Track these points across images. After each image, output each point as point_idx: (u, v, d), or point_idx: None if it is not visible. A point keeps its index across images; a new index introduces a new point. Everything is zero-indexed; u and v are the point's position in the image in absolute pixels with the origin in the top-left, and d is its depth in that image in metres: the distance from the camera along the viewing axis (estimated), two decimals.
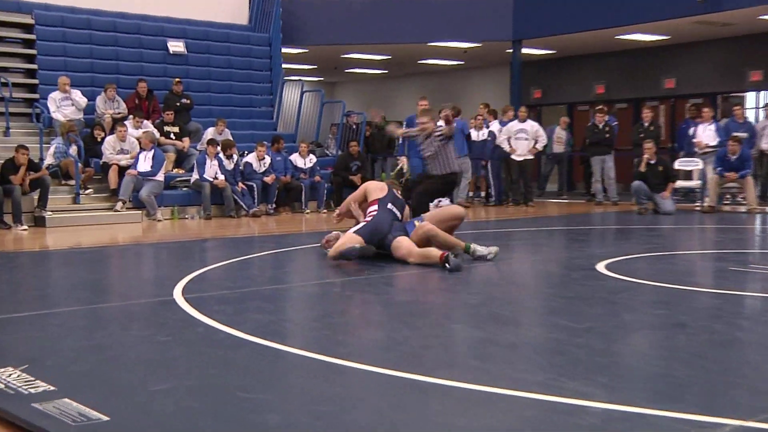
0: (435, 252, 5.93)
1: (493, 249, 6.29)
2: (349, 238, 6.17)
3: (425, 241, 6.21)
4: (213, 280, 5.66)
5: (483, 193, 14.44)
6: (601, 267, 5.91)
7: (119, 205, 10.83)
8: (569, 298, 4.76)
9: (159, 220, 10.75)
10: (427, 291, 5.24)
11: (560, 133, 15.57)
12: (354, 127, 15.97)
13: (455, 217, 6.62)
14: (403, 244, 6.15)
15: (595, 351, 3.41)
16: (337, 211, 7.03)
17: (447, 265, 5.68)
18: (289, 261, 6.89)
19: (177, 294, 4.86)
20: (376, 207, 6.46)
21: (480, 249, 6.25)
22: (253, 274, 6.05)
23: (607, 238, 8.74)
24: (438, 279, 5.63)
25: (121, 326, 4.05)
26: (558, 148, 15.42)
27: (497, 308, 4.45)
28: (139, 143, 11.44)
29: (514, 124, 13.24)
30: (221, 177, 11.62)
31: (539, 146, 13.31)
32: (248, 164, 12.19)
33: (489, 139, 13.64)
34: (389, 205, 6.51)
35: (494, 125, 13.80)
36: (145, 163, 11.19)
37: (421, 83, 21.60)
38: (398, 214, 6.51)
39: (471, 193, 14.14)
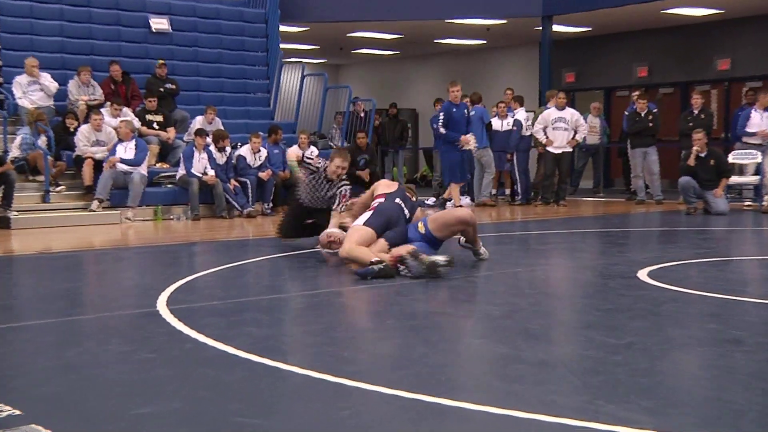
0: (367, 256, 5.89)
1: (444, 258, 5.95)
2: (360, 234, 6.16)
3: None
4: (202, 289, 5.67)
5: (508, 191, 14.43)
6: (643, 275, 5.91)
7: (95, 204, 10.87)
8: (607, 310, 4.76)
9: (130, 220, 10.75)
10: (445, 301, 5.25)
11: (593, 121, 15.52)
12: (362, 115, 16.01)
13: (461, 221, 6.43)
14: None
15: (636, 370, 3.41)
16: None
17: (403, 265, 5.73)
18: (288, 267, 6.90)
19: (161, 305, 4.88)
20: (382, 199, 6.50)
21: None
22: (247, 282, 6.06)
23: (650, 242, 8.72)
24: (456, 288, 5.62)
25: (97, 342, 4.07)
26: (592, 138, 15.40)
27: (525, 321, 4.45)
28: (118, 134, 11.49)
29: (552, 112, 13.18)
30: (211, 172, 11.66)
31: (579, 137, 13.26)
32: (242, 158, 12.23)
33: (514, 129, 13.62)
34: (397, 200, 6.54)
35: (520, 113, 13.78)
36: (125, 155, 11.25)
37: (439, 66, 21.62)
38: (406, 211, 6.49)
39: (494, 191, 14.13)
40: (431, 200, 13.65)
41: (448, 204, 12.45)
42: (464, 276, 6.04)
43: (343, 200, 7.39)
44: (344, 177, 7.43)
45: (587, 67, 18.80)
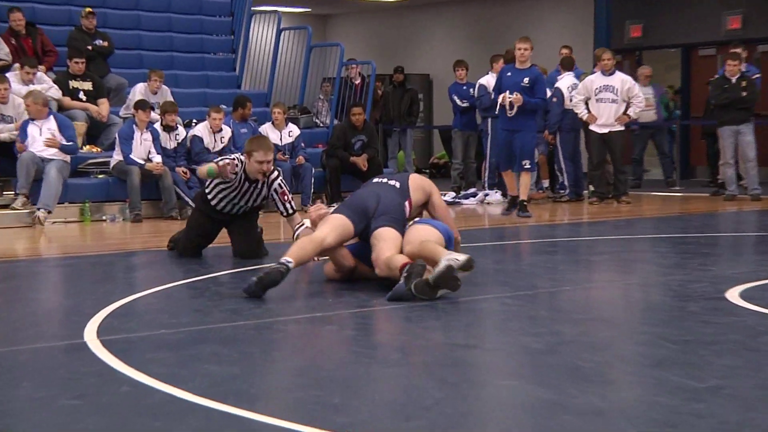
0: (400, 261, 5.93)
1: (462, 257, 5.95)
2: (334, 225, 6.24)
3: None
4: (144, 314, 5.66)
5: (546, 183, 14.44)
6: (734, 295, 5.90)
7: (20, 201, 10.83)
8: (684, 343, 4.76)
9: (41, 223, 10.68)
10: (468, 329, 5.25)
11: (644, 92, 15.44)
12: (357, 83, 16.01)
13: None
14: (382, 237, 6.17)
15: (725, 424, 3.41)
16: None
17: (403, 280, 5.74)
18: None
19: (90, 335, 4.87)
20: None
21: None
22: (204, 305, 6.06)
23: (743, 252, 8.71)
24: (481, 311, 5.62)
25: (6, 383, 4.08)
26: (647, 115, 15.30)
27: (574, 356, 4.46)
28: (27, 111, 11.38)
29: (595, 78, 13.11)
30: (157, 159, 11.68)
31: (632, 112, 13.19)
32: (197, 139, 12.24)
33: (554, 100, 13.59)
34: (376, 179, 6.72)
35: (565, 80, 13.72)
36: (40, 139, 11.18)
37: (460, 17, 21.61)
38: (393, 183, 6.58)
39: (546, 183, 14.16)
40: (450, 196, 13.66)
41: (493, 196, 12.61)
42: (493, 295, 6.04)
43: (285, 199, 7.52)
44: (273, 170, 7.57)
45: (659, 17, 18.78)
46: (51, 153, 11.10)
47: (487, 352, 4.79)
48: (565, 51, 14.38)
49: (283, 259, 5.92)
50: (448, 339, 5.06)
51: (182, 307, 5.94)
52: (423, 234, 6.23)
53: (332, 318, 5.47)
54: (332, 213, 6.45)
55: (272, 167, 7.51)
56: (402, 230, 6.33)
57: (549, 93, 13.44)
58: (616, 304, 6.20)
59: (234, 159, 7.49)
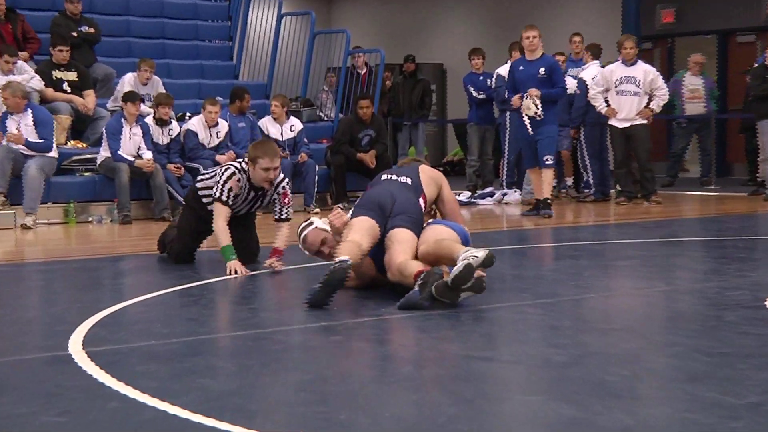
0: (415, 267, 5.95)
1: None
2: (364, 228, 6.23)
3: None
4: (134, 323, 5.67)
5: (569, 181, 14.44)
6: None
7: None
8: (721, 356, 4.75)
9: (30, 227, 10.69)
10: (482, 339, 5.25)
11: (693, 81, 15.45)
12: (363, 72, 16.01)
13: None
14: (397, 239, 6.18)
15: None
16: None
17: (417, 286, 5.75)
18: (259, 291, 6.90)
19: (75, 346, 4.88)
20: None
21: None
22: (199, 313, 6.07)
23: None
24: (499, 321, 5.62)
25: None
26: (694, 107, 15.32)
27: (600, 370, 4.45)
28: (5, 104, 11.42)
29: (616, 68, 13.11)
30: (148, 155, 11.70)
31: (655, 106, 13.17)
32: (192, 134, 12.27)
33: (577, 92, 13.59)
34: (384, 175, 6.73)
35: (590, 70, 13.70)
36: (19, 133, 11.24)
37: (475, 2, 21.61)
38: (404, 179, 6.60)
39: (570, 181, 14.17)
40: (465, 195, 13.67)
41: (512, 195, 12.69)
42: (513, 304, 6.04)
43: (285, 202, 7.54)
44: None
45: (693, 1, 18.76)
46: (41, 149, 11.12)
47: (505, 364, 4.78)
48: (576, 39, 14.39)
49: (339, 259, 5.83)
50: (464, 350, 5.05)
51: (175, 315, 5.94)
52: (439, 233, 6.24)
53: (338, 328, 5.47)
54: (353, 217, 6.42)
55: (279, 173, 7.49)
56: (418, 231, 6.34)
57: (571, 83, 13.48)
58: (645, 313, 6.18)
59: (233, 172, 7.41)
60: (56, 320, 5.81)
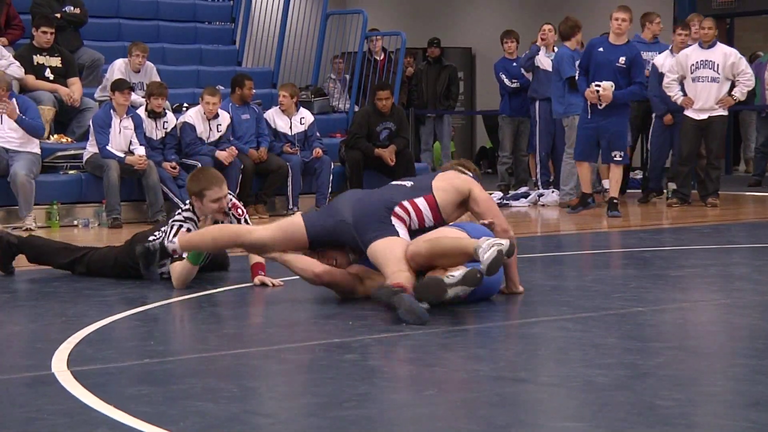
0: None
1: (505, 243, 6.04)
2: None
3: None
4: (125, 340, 5.67)
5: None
6: None
7: None
8: None
9: (31, 230, 10.76)
10: (516, 359, 5.24)
11: None
12: (380, 58, 15.99)
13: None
14: (377, 258, 6.25)
15: None
16: None
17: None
18: (263, 303, 6.90)
19: (59, 365, 4.87)
20: None
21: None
22: (198, 329, 6.06)
23: None
24: (535, 337, 5.59)
25: None
26: None
27: (651, 393, 4.43)
28: None
29: (691, 53, 13.02)
30: (141, 151, 11.70)
31: (740, 93, 13.07)
32: (189, 128, 12.27)
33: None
34: (401, 181, 6.82)
35: (661, 59, 13.59)
36: (1, 127, 11.25)
37: None
38: (407, 183, 6.67)
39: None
40: (496, 196, 13.62)
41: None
42: (551, 318, 6.02)
43: (240, 213, 7.45)
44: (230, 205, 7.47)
45: None
46: (15, 143, 11.12)
47: (542, 387, 4.76)
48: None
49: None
50: (495, 371, 5.03)
51: (170, 331, 5.94)
52: (436, 233, 6.31)
53: (353, 345, 5.45)
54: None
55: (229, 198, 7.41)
56: (392, 229, 6.37)
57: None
58: (702, 329, 6.17)
59: (179, 226, 7.28)
60: (37, 337, 5.82)
